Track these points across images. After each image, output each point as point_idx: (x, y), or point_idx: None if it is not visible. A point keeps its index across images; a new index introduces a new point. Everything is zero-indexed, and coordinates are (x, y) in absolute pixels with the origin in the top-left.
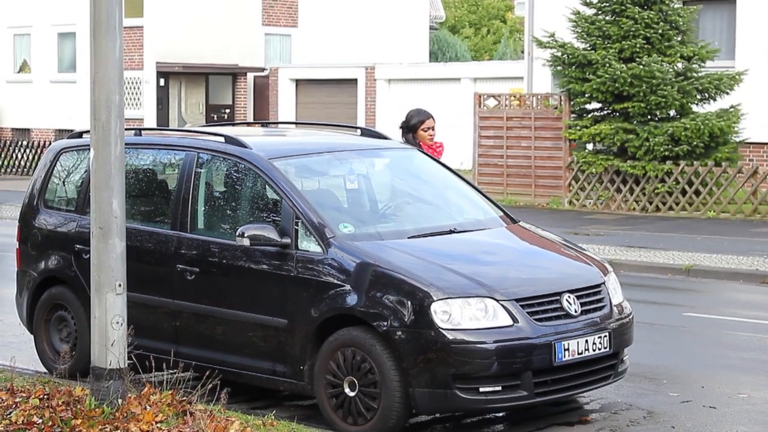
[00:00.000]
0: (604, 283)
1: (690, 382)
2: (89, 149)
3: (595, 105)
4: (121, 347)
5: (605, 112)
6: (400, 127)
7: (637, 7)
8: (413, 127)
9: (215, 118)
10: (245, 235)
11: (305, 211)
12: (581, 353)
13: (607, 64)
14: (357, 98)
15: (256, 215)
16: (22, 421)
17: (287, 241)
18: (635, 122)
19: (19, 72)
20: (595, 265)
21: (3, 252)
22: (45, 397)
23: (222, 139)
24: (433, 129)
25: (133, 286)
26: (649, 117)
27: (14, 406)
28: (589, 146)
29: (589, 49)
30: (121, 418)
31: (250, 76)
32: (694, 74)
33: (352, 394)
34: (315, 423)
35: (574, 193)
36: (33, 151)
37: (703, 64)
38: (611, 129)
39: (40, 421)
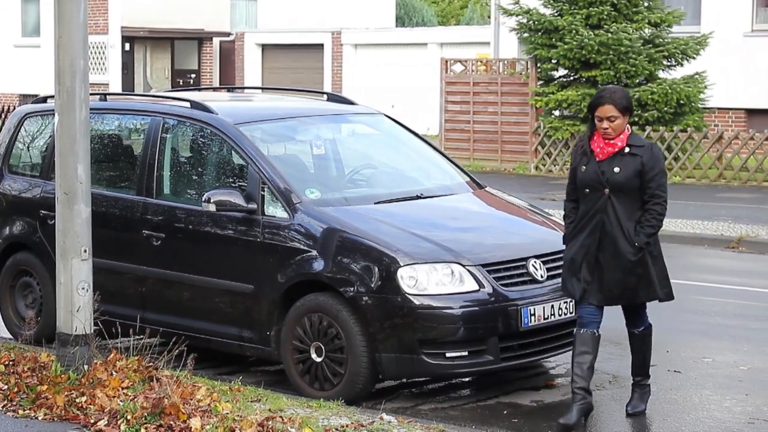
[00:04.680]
0: None
1: (655, 346)
2: (54, 114)
3: (561, 71)
4: (86, 313)
5: (572, 78)
6: None
7: None
8: None
9: (181, 83)
10: (211, 200)
11: (271, 177)
12: (547, 318)
13: (574, 31)
14: (323, 63)
15: (222, 181)
16: None
17: (253, 206)
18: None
19: None
20: (561, 231)
21: None
22: (10, 363)
23: (188, 105)
24: None
25: (98, 252)
26: (616, 83)
27: None
28: (556, 112)
29: (555, 15)
30: (87, 384)
31: (216, 41)
32: (661, 40)
33: (318, 359)
34: (282, 388)
35: (540, 158)
36: None
37: (669, 30)
38: (578, 95)
39: (6, 387)
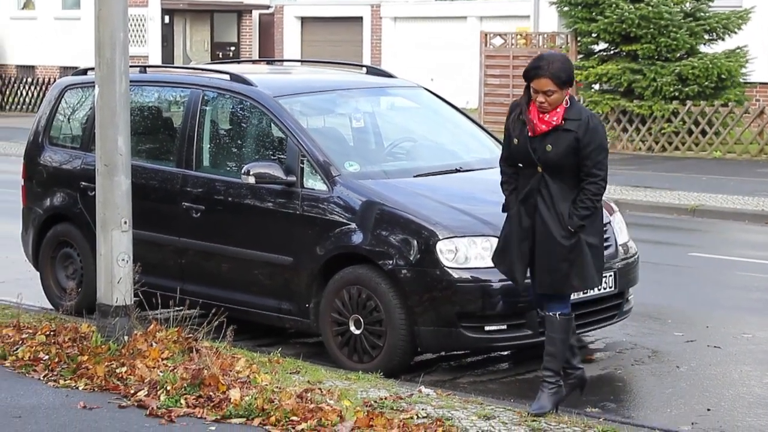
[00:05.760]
0: (609, 222)
1: (695, 321)
2: (94, 86)
3: (601, 45)
4: (127, 284)
5: (612, 52)
6: None
7: None
8: None
9: (220, 56)
10: (251, 173)
11: (311, 149)
12: (586, 292)
13: (615, 5)
14: (362, 36)
15: (262, 153)
16: (29, 357)
17: (293, 179)
18: (642, 63)
19: (23, 8)
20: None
21: (8, 189)
22: (51, 333)
23: (227, 77)
24: None
25: (138, 224)
26: (656, 58)
27: (20, 342)
28: (596, 86)
29: None
30: (127, 354)
31: (256, 13)
32: (703, 14)
33: (357, 332)
34: (320, 360)
35: None
36: (37, 88)
37: (711, 3)
38: (618, 69)
39: (47, 357)
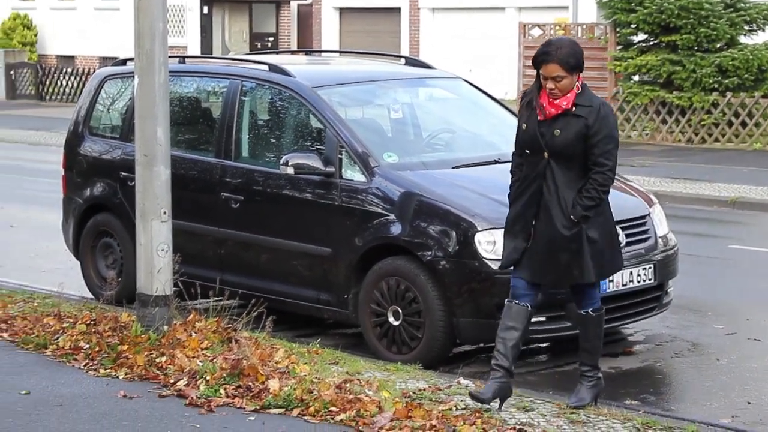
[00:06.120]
0: (649, 214)
1: (735, 314)
2: (133, 77)
3: (641, 36)
4: (166, 274)
5: (651, 43)
6: None
7: None
8: None
9: (259, 47)
10: (289, 163)
11: (349, 140)
12: (626, 284)
13: None
14: (400, 27)
15: (300, 144)
16: (69, 345)
17: (331, 170)
18: (682, 54)
19: None
20: (641, 197)
21: (49, 179)
22: (92, 322)
23: (266, 68)
24: None
25: (177, 214)
26: (696, 48)
27: (61, 331)
28: (635, 77)
29: None
30: (166, 344)
31: (294, 4)
32: (743, 4)
33: (396, 323)
34: (359, 351)
35: (619, 124)
36: (77, 78)
37: None
38: (658, 60)
39: (87, 346)
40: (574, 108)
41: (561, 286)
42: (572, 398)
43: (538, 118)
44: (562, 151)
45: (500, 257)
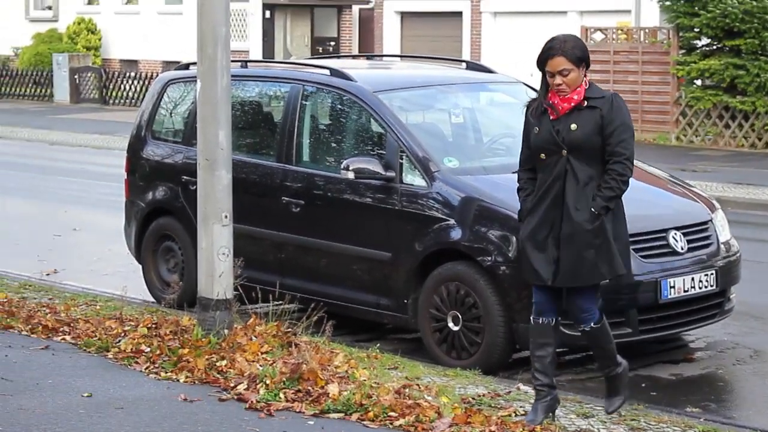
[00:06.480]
0: (711, 220)
1: None
2: (196, 81)
3: (704, 40)
4: (227, 278)
5: (715, 47)
6: None
7: None
8: None
9: (320, 51)
10: (350, 168)
11: (410, 145)
12: (687, 291)
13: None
14: (462, 31)
15: (361, 148)
16: (131, 348)
17: (392, 174)
18: (746, 58)
19: (126, 3)
20: (703, 202)
21: (111, 182)
22: (153, 326)
23: (327, 72)
24: None
25: (238, 218)
26: (760, 53)
27: (123, 334)
28: (698, 81)
29: None
30: (227, 348)
31: (356, 8)
32: None
33: (455, 328)
34: (419, 357)
35: (681, 128)
36: (140, 83)
37: None
38: (721, 64)
39: (148, 349)
40: (586, 101)
41: (592, 283)
42: (606, 404)
43: (551, 117)
44: (580, 146)
45: None
